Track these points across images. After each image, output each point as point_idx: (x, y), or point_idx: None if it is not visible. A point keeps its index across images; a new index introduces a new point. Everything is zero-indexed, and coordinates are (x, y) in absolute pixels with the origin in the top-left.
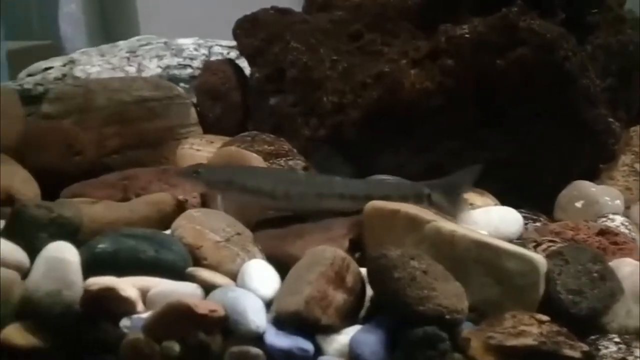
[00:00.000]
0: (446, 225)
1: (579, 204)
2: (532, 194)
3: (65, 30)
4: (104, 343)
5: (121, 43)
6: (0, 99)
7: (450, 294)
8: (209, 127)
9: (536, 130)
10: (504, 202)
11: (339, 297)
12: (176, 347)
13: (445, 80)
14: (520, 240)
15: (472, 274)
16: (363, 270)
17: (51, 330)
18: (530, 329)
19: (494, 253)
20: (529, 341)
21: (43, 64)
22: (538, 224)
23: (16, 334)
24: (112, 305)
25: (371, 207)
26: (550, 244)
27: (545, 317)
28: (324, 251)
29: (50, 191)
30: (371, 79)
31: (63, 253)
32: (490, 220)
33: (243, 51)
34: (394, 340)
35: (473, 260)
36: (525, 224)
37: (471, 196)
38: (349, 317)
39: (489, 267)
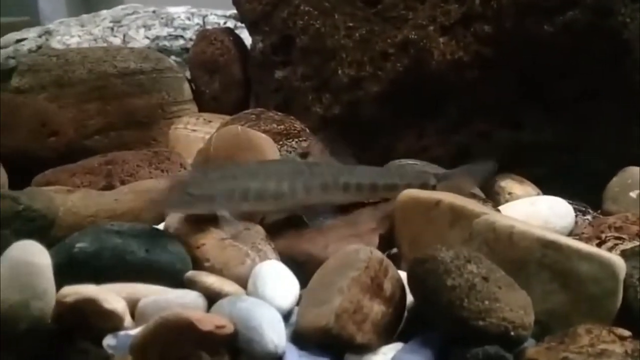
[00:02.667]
0: (502, 219)
1: (634, 194)
2: (574, 182)
3: (43, 6)
4: None
5: (104, 12)
6: None
7: (515, 305)
8: (205, 104)
9: (583, 108)
10: (543, 191)
11: (375, 308)
12: None
13: (482, 50)
14: (576, 236)
15: (534, 279)
16: (402, 275)
17: (16, 350)
18: (612, 347)
19: (562, 254)
20: None
21: (16, 35)
22: (588, 216)
23: None
24: (92, 320)
25: (406, 196)
26: (618, 241)
27: (626, 332)
28: (358, 252)
29: (20, 179)
30: (393, 48)
31: (31, 255)
32: (538, 212)
33: (245, 17)
34: None
35: (536, 262)
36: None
37: (510, 184)
38: (386, 332)
39: (555, 271)
